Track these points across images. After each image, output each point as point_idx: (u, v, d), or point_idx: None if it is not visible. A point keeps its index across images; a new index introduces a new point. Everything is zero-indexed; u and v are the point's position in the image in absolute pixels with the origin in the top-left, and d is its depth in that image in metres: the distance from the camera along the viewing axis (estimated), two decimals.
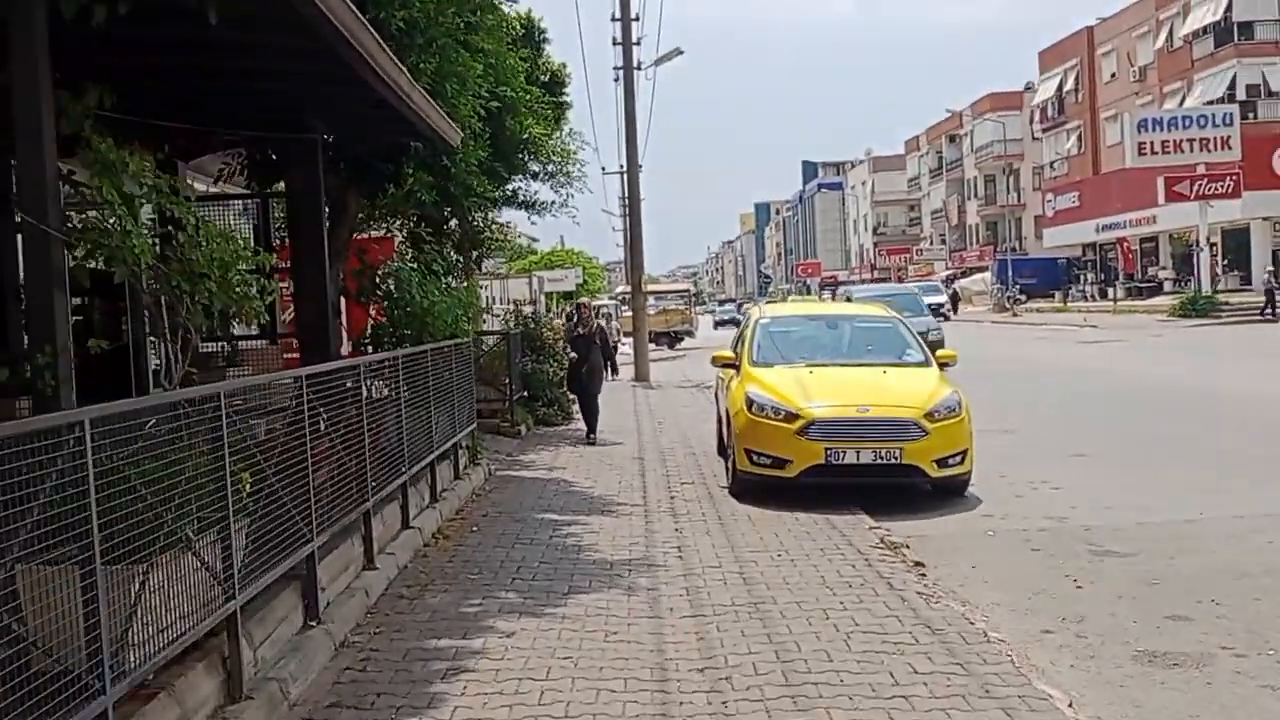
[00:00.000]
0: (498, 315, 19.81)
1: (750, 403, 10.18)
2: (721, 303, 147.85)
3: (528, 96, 15.74)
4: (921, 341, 11.36)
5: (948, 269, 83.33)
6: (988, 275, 71.70)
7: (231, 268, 5.04)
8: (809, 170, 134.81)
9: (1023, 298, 61.40)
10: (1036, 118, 71.09)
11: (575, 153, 18.78)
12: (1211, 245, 47.38)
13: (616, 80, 28.35)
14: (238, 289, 5.18)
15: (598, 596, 6.94)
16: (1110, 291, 57.28)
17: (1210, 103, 49.60)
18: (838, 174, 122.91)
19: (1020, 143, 76.53)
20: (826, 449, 9.65)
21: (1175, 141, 46.38)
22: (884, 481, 9.88)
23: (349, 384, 6.86)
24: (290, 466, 5.55)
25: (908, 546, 8.11)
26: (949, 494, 10.12)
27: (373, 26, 8.92)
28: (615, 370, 28.69)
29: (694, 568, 7.64)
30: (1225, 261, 50.67)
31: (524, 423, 16.10)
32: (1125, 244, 58.50)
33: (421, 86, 9.04)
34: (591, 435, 14.90)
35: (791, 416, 9.85)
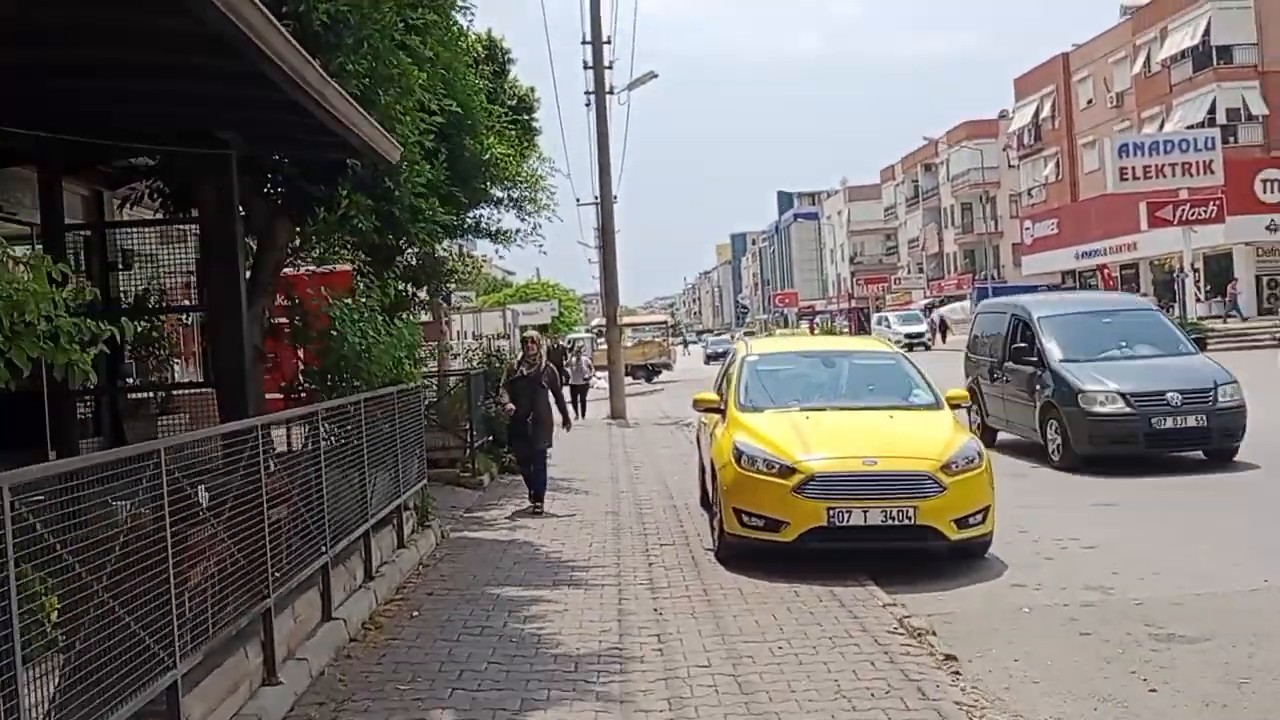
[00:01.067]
0: (456, 355, 18.33)
1: (739, 455, 8.83)
2: (700, 334, 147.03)
3: (487, 116, 14.44)
4: (930, 381, 10.03)
5: (925, 298, 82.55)
6: (966, 304, 70.81)
7: (23, 308, 3.66)
8: (784, 200, 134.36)
9: None
10: (1013, 145, 70.57)
11: (544, 178, 17.48)
12: (1195, 271, 46.61)
13: (588, 105, 27.19)
14: (38, 336, 3.79)
15: (558, 715, 5.54)
16: None
17: (1190, 127, 49.00)
18: (813, 204, 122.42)
19: (996, 170, 76.13)
20: (829, 509, 8.29)
21: (1157, 166, 45.65)
22: (895, 546, 8.52)
23: (244, 451, 5.46)
24: (140, 571, 4.15)
25: (934, 633, 6.74)
26: (967, 556, 8.77)
27: (293, 20, 7.64)
28: (583, 411, 26.95)
29: (677, 666, 6.24)
30: (1207, 288, 49.88)
31: (487, 471, 14.68)
32: (1106, 271, 57.67)
33: (351, 91, 7.73)
34: (538, 505, 12.05)
35: (787, 471, 8.49)
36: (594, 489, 13.98)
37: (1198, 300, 44.16)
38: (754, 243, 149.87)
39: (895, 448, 8.67)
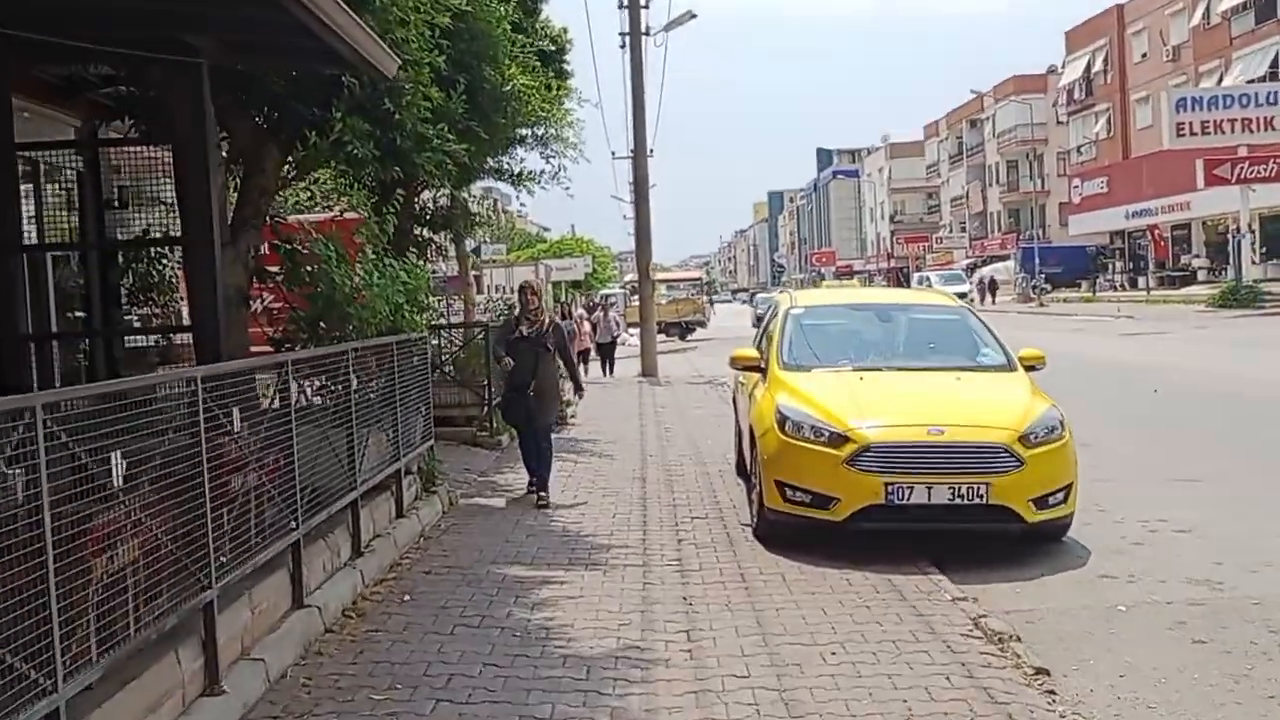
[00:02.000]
0: (476, 306, 17.22)
1: (783, 420, 7.70)
2: (735, 292, 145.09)
3: (511, 45, 13.27)
4: (1000, 338, 8.83)
5: (968, 258, 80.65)
6: (1010, 264, 69.07)
7: None
8: (824, 158, 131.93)
9: (1048, 287, 58.74)
10: (1063, 100, 68.29)
11: (571, 112, 16.24)
12: (1251, 232, 44.73)
13: (623, 46, 25.82)
14: None
15: None
16: (1140, 281, 54.80)
17: (1250, 82, 46.88)
18: (853, 161, 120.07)
19: (1044, 127, 73.92)
20: (887, 484, 7.17)
21: (1215, 121, 43.78)
22: (963, 528, 7.39)
23: (180, 408, 4.42)
24: (6, 568, 3.12)
25: (1017, 638, 5.62)
26: (1045, 539, 7.64)
27: None
28: (611, 369, 25.92)
29: (709, 675, 5.18)
30: (1264, 250, 47.90)
31: (507, 431, 13.63)
32: (1157, 231, 55.81)
33: None
34: (542, 494, 9.61)
35: (838, 439, 7.37)
36: (620, 452, 12.93)
37: (1254, 263, 42.31)
38: (791, 200, 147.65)
39: (965, 415, 7.51)
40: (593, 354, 26.99)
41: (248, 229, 8.23)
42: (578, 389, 11.11)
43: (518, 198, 16.39)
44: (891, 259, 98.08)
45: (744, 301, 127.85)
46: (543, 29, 21.23)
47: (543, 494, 9.62)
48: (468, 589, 6.79)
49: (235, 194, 8.62)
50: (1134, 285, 55.33)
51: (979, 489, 7.14)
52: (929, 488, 7.16)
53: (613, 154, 62.64)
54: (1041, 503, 7.30)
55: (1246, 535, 7.84)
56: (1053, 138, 72.77)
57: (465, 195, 23.82)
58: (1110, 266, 61.51)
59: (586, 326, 26.41)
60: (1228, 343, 25.13)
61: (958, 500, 7.16)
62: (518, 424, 10.25)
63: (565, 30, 22.67)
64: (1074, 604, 6.49)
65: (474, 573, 7.19)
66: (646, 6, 25.72)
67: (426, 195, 14.69)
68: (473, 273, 51.96)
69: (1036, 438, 7.35)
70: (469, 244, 33.83)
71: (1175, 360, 21.29)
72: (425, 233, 14.15)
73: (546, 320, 10.00)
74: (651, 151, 27.05)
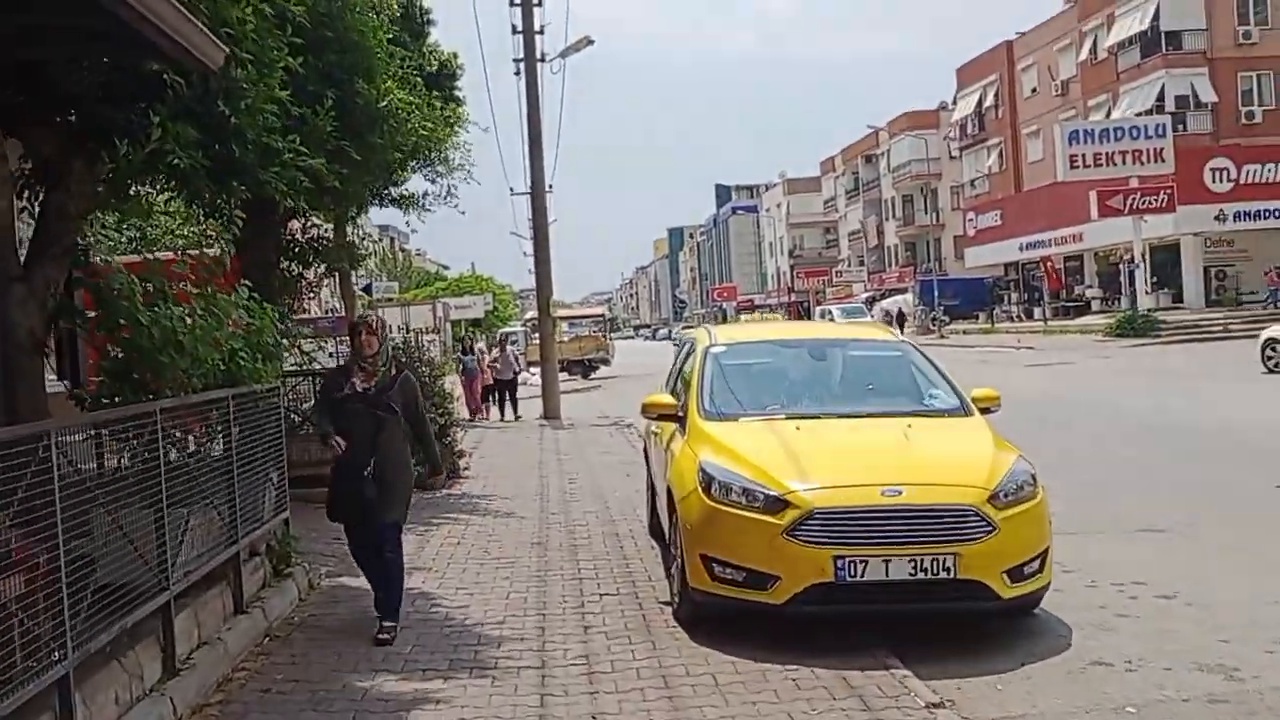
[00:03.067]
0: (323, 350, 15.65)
1: (708, 481, 6.40)
2: (638, 328, 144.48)
3: (389, 60, 11.89)
4: (950, 378, 7.68)
5: (866, 290, 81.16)
6: (909, 296, 69.54)
7: None
8: (723, 194, 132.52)
9: (946, 319, 59.09)
10: (956, 135, 69.22)
11: (457, 134, 14.85)
12: (1127, 264, 45.42)
13: (518, 73, 24.55)
14: None
15: None
16: (1036, 311, 55.49)
17: (1139, 115, 47.77)
18: (752, 197, 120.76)
19: (938, 162, 75.01)
20: (836, 559, 5.91)
21: (1107, 154, 44.31)
22: (926, 609, 6.17)
23: None
24: None
25: None
26: (1017, 613, 6.46)
27: None
28: (515, 409, 24.38)
29: None
30: (1154, 279, 48.72)
31: None
32: (1050, 263, 56.55)
33: None
34: (386, 626, 6.66)
35: (776, 504, 6.09)
36: (518, 509, 11.50)
37: (1145, 292, 42.80)
38: (691, 236, 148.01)
39: (924, 471, 6.30)
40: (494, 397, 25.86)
41: (45, 260, 6.65)
42: (434, 470, 7.93)
43: (409, 227, 14.82)
44: (792, 293, 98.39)
45: (646, 338, 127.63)
46: (430, 52, 19.91)
47: (387, 625, 6.61)
48: (315, 715, 5.30)
49: (32, 213, 7.04)
50: (1030, 316, 55.92)
51: (945, 561, 5.92)
52: (886, 561, 5.92)
53: (511, 190, 60.94)
54: (1017, 574, 6.12)
55: (1244, 603, 6.78)
56: (946, 172, 73.77)
57: (350, 228, 22.27)
58: (1006, 298, 62.20)
59: (486, 359, 25.76)
60: (1129, 372, 24.78)
61: (920, 575, 5.92)
62: (349, 521, 7.00)
63: (455, 55, 21.38)
64: (1071, 705, 5.29)
65: (327, 688, 5.69)
66: (541, 33, 24.55)
67: (300, 225, 13.16)
68: (367, 312, 49.94)
69: (1008, 496, 6.18)
70: (357, 280, 32.10)
71: (1085, 392, 20.68)
72: (294, 267, 12.58)
73: (391, 369, 6.91)
74: (550, 187, 25.94)
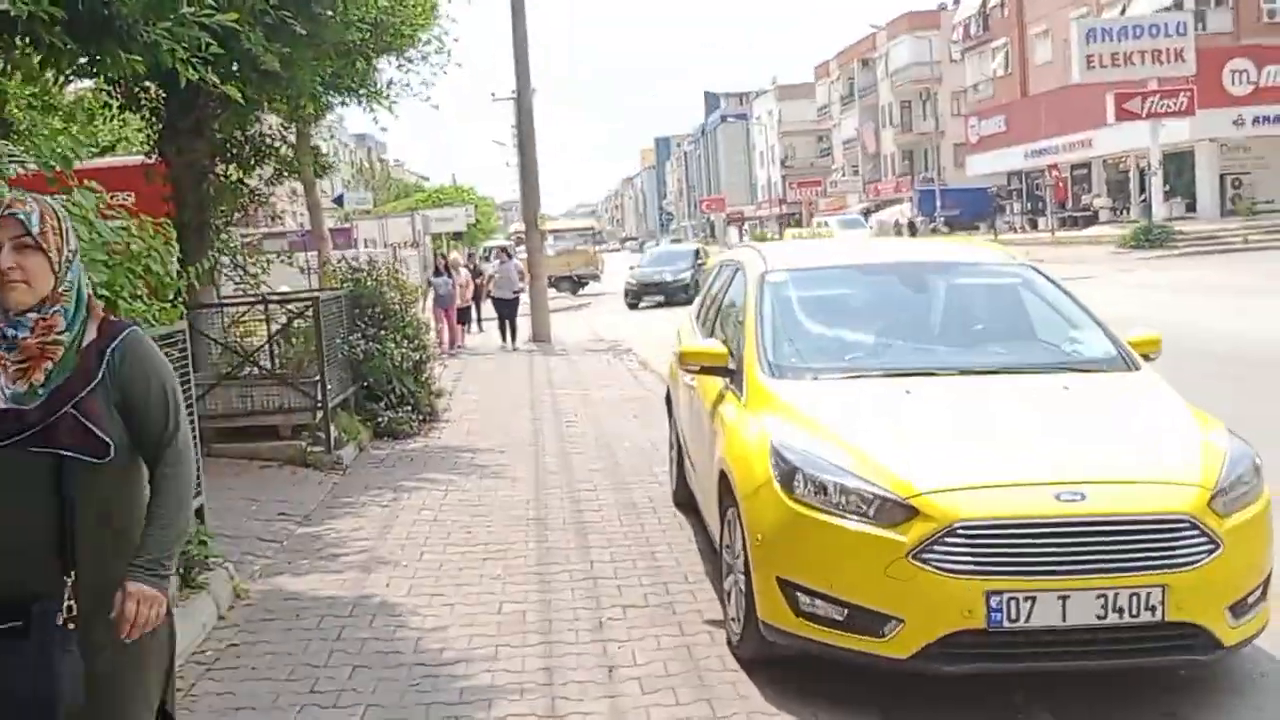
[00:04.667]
0: (332, 267, 13.42)
1: (789, 473, 4.41)
2: (624, 240, 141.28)
3: None
4: (1093, 312, 5.67)
5: (861, 201, 78.82)
6: (905, 207, 67.35)
7: None
8: (712, 102, 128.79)
9: (946, 230, 56.98)
10: (959, 36, 66.22)
11: (428, 18, 12.53)
12: (1142, 171, 43.34)
13: None
14: None
15: None
16: (1040, 222, 53.51)
17: (1157, 12, 45.16)
18: (741, 105, 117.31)
19: (939, 65, 72.05)
20: (990, 595, 3.96)
21: (1125, 54, 41.89)
22: (1117, 665, 4.23)
23: None
24: None
25: None
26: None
27: None
28: (513, 336, 20.15)
29: None
30: (1166, 188, 46.67)
31: (355, 439, 10.11)
32: (1056, 171, 54.39)
33: None
34: None
35: (898, 512, 4.12)
36: (508, 465, 9.54)
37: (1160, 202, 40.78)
38: (679, 146, 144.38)
39: (1110, 461, 4.31)
40: (474, 315, 23.18)
41: None
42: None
43: (377, 124, 12.67)
44: (783, 204, 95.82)
45: (634, 250, 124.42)
46: None
47: None
48: None
49: None
50: (1034, 226, 53.97)
51: (1150, 596, 3.98)
52: (1063, 598, 3.97)
53: (492, 95, 58.24)
54: (1240, 608, 4.20)
55: None
56: (948, 76, 70.98)
57: (314, 131, 19.90)
58: (1009, 208, 60.11)
59: (463, 276, 21.73)
60: (1167, 288, 22.78)
61: (1113, 618, 3.98)
62: None
63: None
64: None
65: None
66: None
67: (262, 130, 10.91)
68: (342, 224, 47.37)
69: (1232, 497, 4.22)
70: (323, 191, 29.69)
71: (1163, 313, 18.70)
72: (232, 171, 10.38)
73: (77, 337, 2.70)
74: (535, 89, 23.35)
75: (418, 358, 11.33)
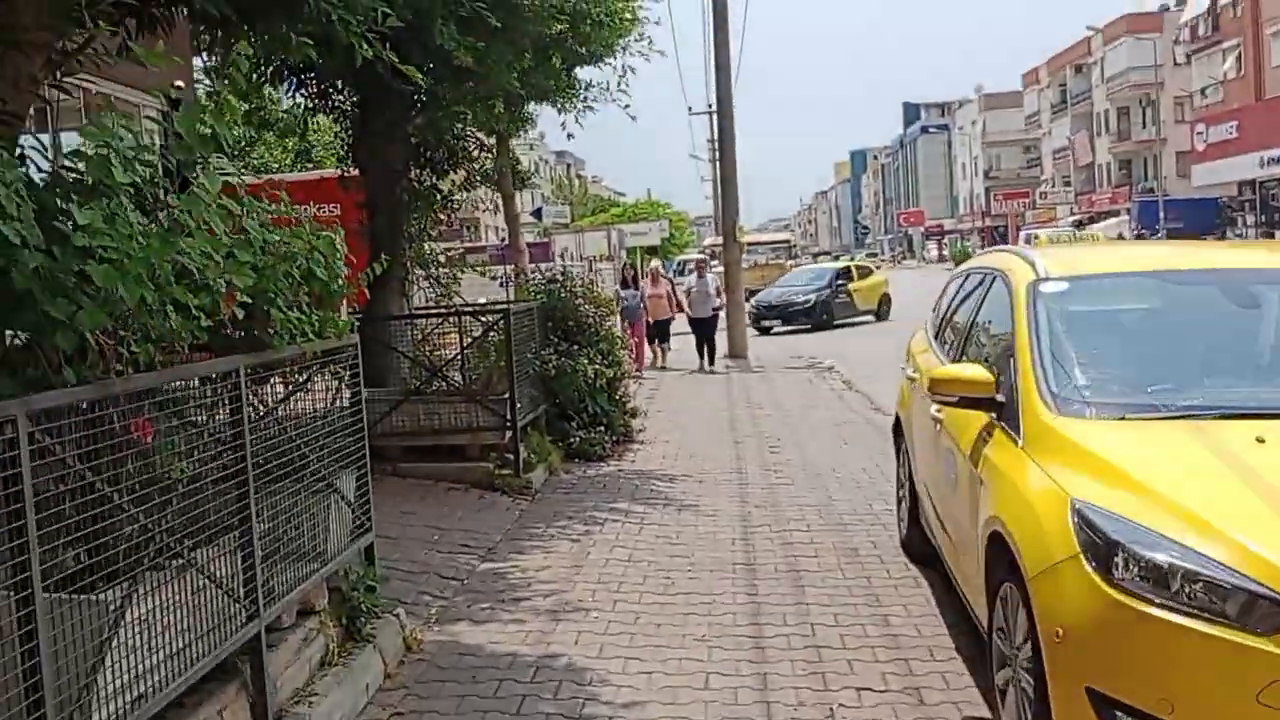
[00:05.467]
0: (528, 278, 12.78)
1: (1106, 550, 3.29)
2: (817, 255, 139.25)
3: None
4: None
5: (1073, 214, 74.67)
6: (1123, 219, 63.27)
7: None
8: (910, 113, 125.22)
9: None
10: (1186, 37, 61.68)
11: (627, 23, 11.79)
12: None
13: None
14: None
15: None
16: (1276, 234, 49.11)
17: None
18: (943, 115, 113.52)
19: (1160, 69, 67.45)
20: None
21: None
22: None
23: None
24: None
25: None
26: None
27: None
28: (711, 356, 18.33)
29: None
30: None
31: (545, 460, 9.41)
32: None
33: None
34: None
35: (1276, 614, 2.97)
36: (708, 496, 8.62)
37: None
38: (876, 158, 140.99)
39: None
40: (665, 331, 19.52)
41: None
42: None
43: (564, 131, 11.95)
44: (987, 217, 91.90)
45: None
46: None
47: None
48: None
49: None
50: (1271, 239, 49.58)
51: None
52: None
53: (689, 109, 58.00)
54: None
55: None
56: (1170, 81, 66.36)
57: (514, 144, 19.60)
58: (1240, 220, 55.45)
59: (651, 288, 18.73)
60: None
61: None
62: None
63: None
64: None
65: None
66: None
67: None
68: (541, 239, 47.78)
69: None
70: (523, 204, 29.62)
71: None
72: (427, 177, 9.87)
73: None
74: (734, 78, 22.36)
75: (612, 374, 10.58)
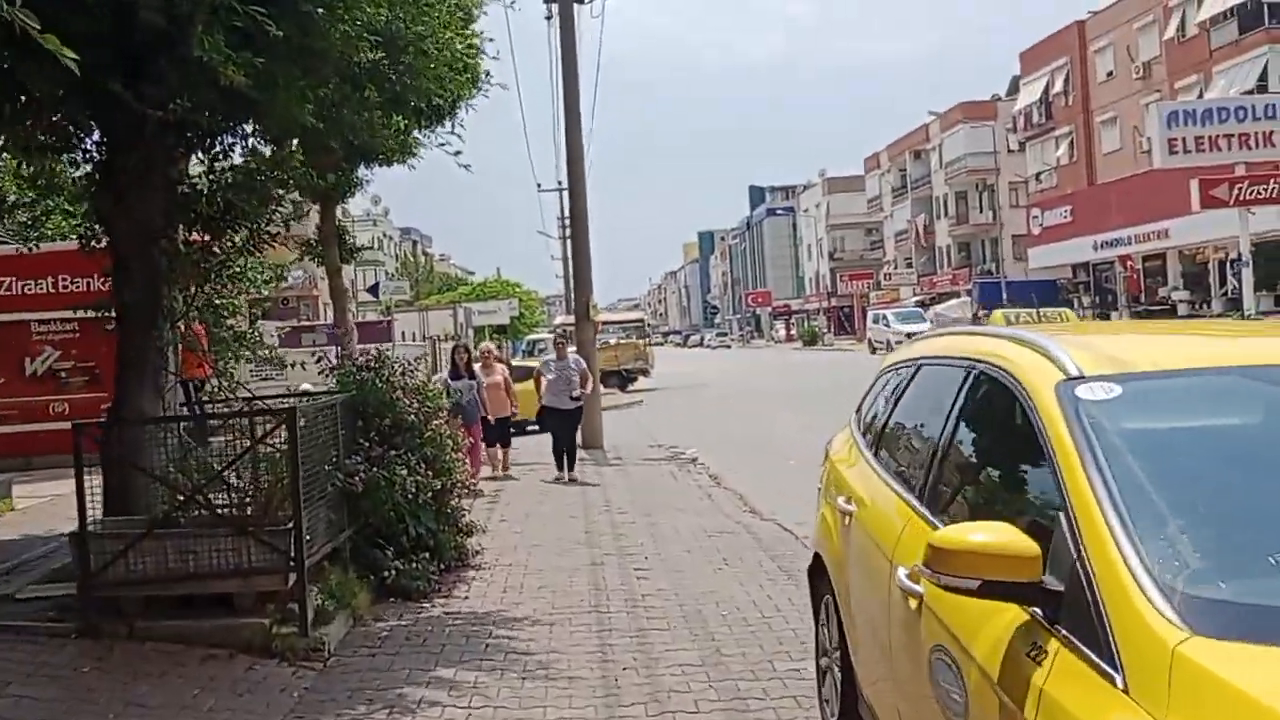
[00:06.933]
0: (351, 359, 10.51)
1: None
2: (667, 335, 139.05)
3: None
4: None
5: (915, 295, 76.16)
6: (964, 300, 64.57)
7: None
8: (756, 196, 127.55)
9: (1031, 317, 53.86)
10: (1021, 124, 63.94)
11: (466, 64, 9.99)
12: (1233, 262, 40.30)
13: (549, 17, 19.69)
14: None
15: None
16: (1113, 316, 50.57)
17: (1242, 95, 42.60)
18: (787, 198, 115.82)
19: (995, 155, 69.96)
20: None
21: (1210, 138, 39.33)
22: None
23: None
24: None
25: None
26: None
27: None
28: (571, 460, 14.78)
29: None
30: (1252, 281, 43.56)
31: (348, 606, 7.19)
32: (1129, 263, 51.52)
33: None
34: None
35: None
36: (562, 649, 6.59)
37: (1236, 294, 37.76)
38: (723, 240, 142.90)
39: None
40: (505, 432, 15.56)
41: None
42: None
43: (378, 194, 10.34)
44: (833, 297, 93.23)
45: (677, 344, 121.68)
46: None
47: None
48: None
49: None
50: (1105, 320, 50.93)
51: None
52: None
53: (538, 186, 56.70)
54: None
55: None
56: (1005, 166, 68.81)
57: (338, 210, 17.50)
58: (1077, 301, 57.15)
59: (499, 374, 15.40)
60: None
61: None
62: None
63: None
64: None
65: None
66: None
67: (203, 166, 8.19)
68: (383, 317, 45.06)
69: None
70: (350, 277, 27.25)
71: None
72: (195, 234, 7.65)
73: None
74: (588, 152, 20.78)
75: (439, 485, 8.45)
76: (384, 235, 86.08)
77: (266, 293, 18.63)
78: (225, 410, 7.69)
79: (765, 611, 7.33)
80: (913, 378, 4.55)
